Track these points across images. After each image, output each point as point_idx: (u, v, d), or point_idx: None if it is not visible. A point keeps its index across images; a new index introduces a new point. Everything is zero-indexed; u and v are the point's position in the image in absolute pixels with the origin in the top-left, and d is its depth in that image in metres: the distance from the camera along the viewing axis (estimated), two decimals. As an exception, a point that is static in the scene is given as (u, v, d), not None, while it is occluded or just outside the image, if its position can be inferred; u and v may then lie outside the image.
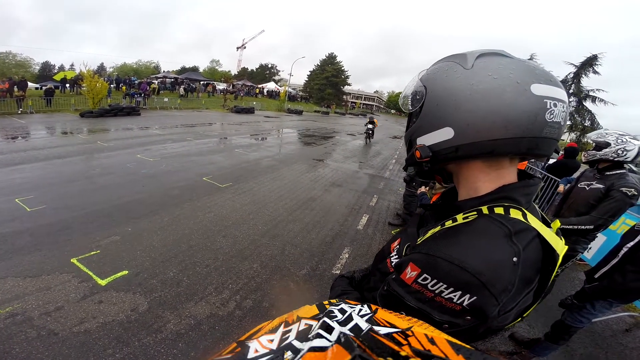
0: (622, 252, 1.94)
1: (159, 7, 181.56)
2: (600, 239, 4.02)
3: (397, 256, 0.74)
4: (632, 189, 2.16)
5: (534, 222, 0.58)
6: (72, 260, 3.03)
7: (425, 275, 0.54)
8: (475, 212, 0.59)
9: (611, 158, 2.24)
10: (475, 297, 0.50)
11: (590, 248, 4.08)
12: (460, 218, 0.60)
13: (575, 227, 2.32)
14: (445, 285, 0.52)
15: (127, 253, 3.24)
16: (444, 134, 0.61)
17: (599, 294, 2.02)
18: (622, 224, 3.79)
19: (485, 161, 0.62)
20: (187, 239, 3.66)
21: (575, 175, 4.11)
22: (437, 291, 0.53)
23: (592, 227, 2.28)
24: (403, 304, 0.57)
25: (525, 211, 0.59)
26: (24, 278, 2.71)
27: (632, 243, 1.91)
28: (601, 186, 2.31)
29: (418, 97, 0.66)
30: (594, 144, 2.30)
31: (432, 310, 0.53)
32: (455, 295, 0.51)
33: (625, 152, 2.19)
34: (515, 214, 0.57)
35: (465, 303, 0.51)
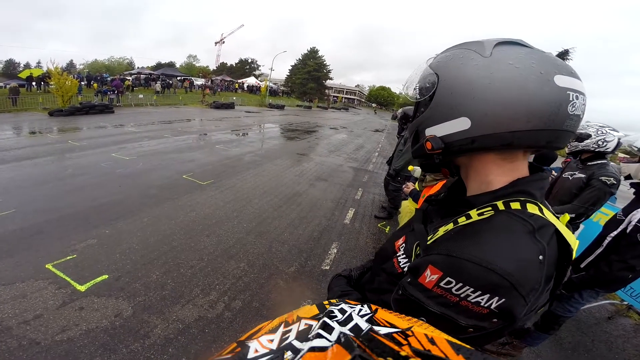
0: (606, 241, 1.99)
1: (131, 1, 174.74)
2: (579, 228, 4.15)
3: (405, 255, 0.71)
4: (612, 178, 2.26)
5: (551, 217, 0.56)
6: (47, 266, 2.86)
7: (448, 278, 0.51)
8: (490, 208, 0.56)
9: (592, 149, 2.34)
10: (504, 299, 0.48)
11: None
12: (474, 214, 0.57)
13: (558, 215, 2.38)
14: (472, 289, 0.49)
15: (106, 256, 3.08)
16: (459, 125, 0.57)
17: (586, 284, 2.06)
18: (598, 212, 3.92)
19: (499, 153, 0.60)
20: (169, 239, 3.53)
21: (554, 165, 4.25)
22: (462, 295, 0.50)
23: (573, 215, 2.36)
24: (423, 309, 0.53)
25: (541, 205, 0.57)
26: (-5, 286, 2.54)
27: (615, 232, 1.95)
28: (583, 176, 2.41)
29: (428, 85, 0.62)
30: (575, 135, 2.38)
31: (457, 315, 0.50)
32: (482, 299, 0.49)
33: (605, 143, 2.30)
34: (532, 208, 0.55)
35: (494, 306, 0.48)
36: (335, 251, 3.71)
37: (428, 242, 0.62)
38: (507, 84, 0.53)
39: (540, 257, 0.50)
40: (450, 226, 0.59)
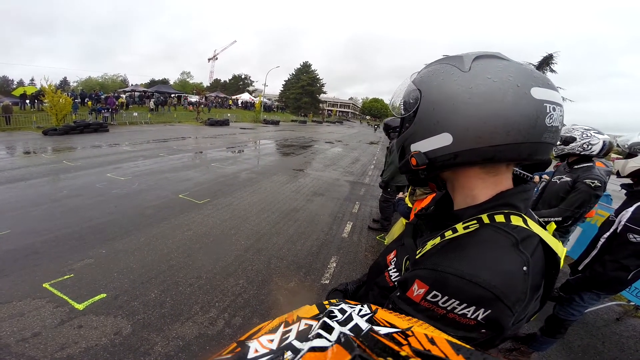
0: (600, 243, 2.01)
1: (124, 18, 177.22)
2: (577, 231, 4.14)
3: (395, 269, 0.72)
4: (596, 181, 2.30)
5: (535, 228, 0.57)
6: (44, 285, 2.84)
7: (434, 292, 0.52)
8: (475, 221, 0.57)
9: (577, 152, 2.40)
10: (490, 311, 0.49)
11: (567, 240, 4.25)
12: (460, 228, 0.58)
13: (546, 219, 2.41)
14: (457, 302, 0.50)
15: (103, 276, 3.06)
16: (442, 140, 0.58)
17: (583, 285, 2.06)
18: (595, 215, 3.96)
19: (482, 167, 0.60)
20: (167, 258, 3.51)
21: (548, 170, 4.33)
22: (449, 308, 0.51)
23: (560, 218, 2.39)
24: None
25: (525, 217, 0.58)
26: (-8, 305, 2.52)
27: (607, 233, 1.97)
28: (569, 179, 2.45)
29: (412, 101, 0.63)
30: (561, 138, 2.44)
31: (446, 327, 0.50)
32: (469, 311, 0.49)
33: (590, 146, 2.34)
34: (516, 220, 0.56)
35: (480, 317, 0.49)
36: (335, 265, 3.72)
37: (416, 256, 0.62)
38: (485, 98, 0.53)
39: (525, 268, 0.51)
40: (438, 240, 0.60)
